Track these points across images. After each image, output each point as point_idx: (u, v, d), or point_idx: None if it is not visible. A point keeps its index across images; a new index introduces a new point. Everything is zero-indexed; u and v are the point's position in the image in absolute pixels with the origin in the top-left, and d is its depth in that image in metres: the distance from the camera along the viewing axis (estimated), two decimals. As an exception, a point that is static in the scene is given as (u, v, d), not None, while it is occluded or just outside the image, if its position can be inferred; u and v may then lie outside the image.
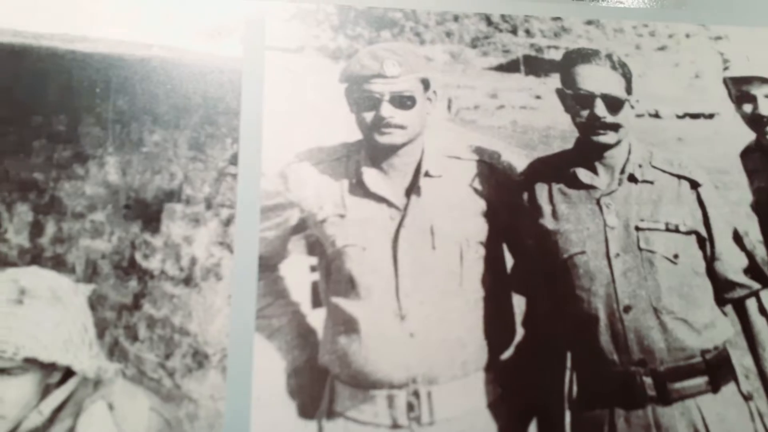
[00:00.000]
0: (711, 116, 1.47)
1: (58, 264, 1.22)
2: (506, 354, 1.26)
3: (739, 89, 1.46)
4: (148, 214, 1.28)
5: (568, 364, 1.25)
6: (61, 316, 1.14)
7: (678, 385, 1.22)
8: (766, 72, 1.47)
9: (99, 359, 1.15)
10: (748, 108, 1.44)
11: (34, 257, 1.21)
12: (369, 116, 1.32)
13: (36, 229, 1.24)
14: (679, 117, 1.46)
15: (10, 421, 1.08)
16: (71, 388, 1.12)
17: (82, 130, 1.31)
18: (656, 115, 1.45)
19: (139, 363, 1.16)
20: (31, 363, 1.08)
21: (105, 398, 1.13)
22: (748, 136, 1.44)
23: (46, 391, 1.10)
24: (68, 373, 1.11)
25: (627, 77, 1.38)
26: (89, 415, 1.12)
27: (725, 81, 1.48)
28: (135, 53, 1.38)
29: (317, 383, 1.21)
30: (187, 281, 1.23)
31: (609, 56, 1.39)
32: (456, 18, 1.48)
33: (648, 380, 1.21)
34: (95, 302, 1.19)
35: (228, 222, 1.27)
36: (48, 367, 1.10)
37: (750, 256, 1.33)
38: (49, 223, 1.24)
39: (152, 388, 1.15)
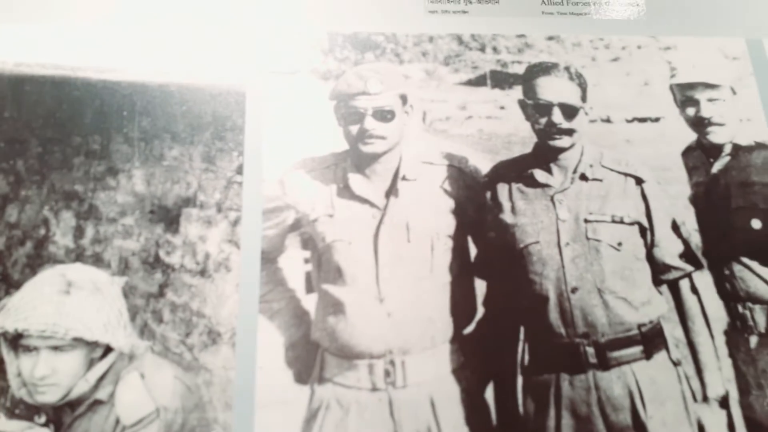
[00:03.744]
0: (657, 120, 1.54)
1: (97, 261, 1.33)
2: (468, 329, 1.35)
3: (684, 94, 1.53)
4: (169, 217, 1.37)
5: (521, 336, 1.34)
6: (100, 304, 1.26)
7: (616, 353, 1.31)
8: (710, 78, 1.53)
9: (132, 338, 1.27)
10: (691, 111, 1.52)
11: (77, 255, 1.33)
12: (354, 129, 1.40)
13: (78, 232, 1.35)
14: (628, 121, 1.54)
15: (64, 388, 1.22)
16: (111, 362, 1.25)
17: (113, 147, 1.42)
18: (608, 120, 1.53)
19: (164, 341, 1.29)
20: (78, 341, 1.22)
21: (138, 369, 1.26)
22: (690, 136, 1.52)
23: (90, 364, 1.24)
24: (108, 349, 1.25)
25: (583, 87, 1.45)
26: (125, 382, 1.25)
27: (671, 87, 1.55)
28: (155, 80, 1.48)
29: (310, 355, 1.31)
30: (203, 273, 1.34)
31: (567, 68, 1.45)
32: (431, 39, 1.58)
33: (590, 350, 1.30)
34: (128, 291, 1.31)
35: (235, 223, 1.37)
36: (92, 345, 1.23)
37: (685, 243, 1.41)
38: (89, 227, 1.36)
39: (175, 361, 1.27)
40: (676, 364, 1.35)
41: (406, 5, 1.65)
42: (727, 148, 1.52)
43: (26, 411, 1.22)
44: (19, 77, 1.45)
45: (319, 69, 1.53)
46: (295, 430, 1.26)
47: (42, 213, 1.36)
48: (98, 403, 1.23)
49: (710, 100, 1.53)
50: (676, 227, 1.44)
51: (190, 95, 1.47)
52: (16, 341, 1.23)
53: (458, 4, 1.67)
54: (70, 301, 1.25)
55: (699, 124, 1.53)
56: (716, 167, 1.51)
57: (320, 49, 1.55)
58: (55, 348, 1.22)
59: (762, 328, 1.39)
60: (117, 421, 1.22)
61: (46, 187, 1.38)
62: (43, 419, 1.22)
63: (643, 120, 1.56)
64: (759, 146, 1.53)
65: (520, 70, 1.54)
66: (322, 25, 1.58)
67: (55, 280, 1.27)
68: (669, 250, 1.41)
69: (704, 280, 1.41)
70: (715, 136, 1.52)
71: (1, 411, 1.22)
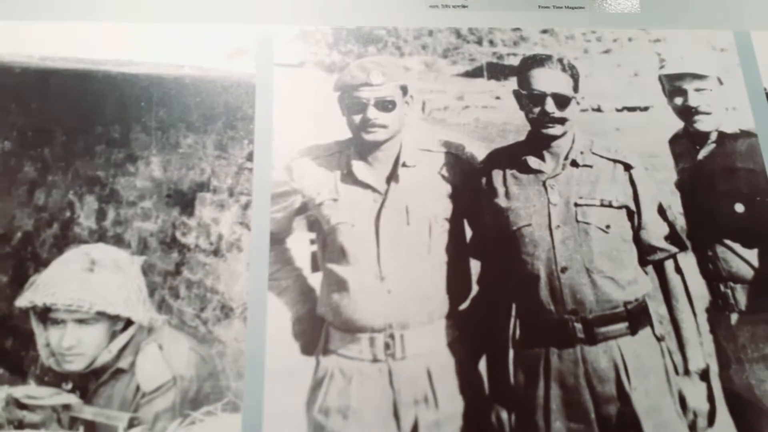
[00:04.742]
0: (646, 109, 1.59)
1: (118, 241, 1.39)
2: (463, 305, 1.41)
3: (672, 84, 1.60)
4: (184, 201, 1.43)
5: (513, 313, 1.39)
6: (122, 280, 1.34)
7: (603, 329, 1.37)
8: (698, 69, 1.60)
9: (151, 312, 1.34)
10: (678, 100, 1.59)
11: (100, 236, 1.39)
12: (357, 118, 1.46)
13: (100, 215, 1.41)
14: (618, 110, 1.59)
15: (88, 357, 1.30)
16: (131, 334, 1.32)
17: (132, 136, 1.47)
18: (598, 109, 1.58)
19: (181, 315, 1.35)
20: (101, 315, 1.31)
21: (156, 341, 1.33)
22: (677, 125, 1.58)
23: (113, 336, 1.32)
24: (129, 322, 1.32)
25: (575, 78, 1.52)
26: (145, 353, 1.32)
27: (660, 78, 1.62)
28: (171, 73, 1.53)
29: (315, 329, 1.37)
30: (216, 252, 1.39)
31: (560, 60, 1.52)
32: (430, 32, 1.64)
33: (578, 325, 1.37)
34: (146, 269, 1.37)
35: (246, 206, 1.42)
36: (114, 318, 1.32)
37: (671, 225, 1.47)
38: (110, 209, 1.41)
39: (191, 333, 1.33)
40: (659, 339, 1.41)
41: (408, 1, 1.71)
42: (713, 136, 1.58)
43: (54, 378, 1.30)
44: (44, 71, 1.51)
45: (324, 62, 1.59)
46: (301, 397, 1.33)
47: (67, 197, 1.42)
48: (120, 371, 1.31)
49: (697, 90, 1.60)
50: (662, 211, 1.49)
51: (203, 87, 1.53)
52: (44, 314, 1.31)
53: (458, -1, 1.73)
54: (94, 278, 1.33)
55: (686, 112, 1.59)
56: (702, 154, 1.57)
57: (325, 42, 1.61)
58: (81, 321, 1.31)
59: (742, 306, 1.46)
60: (137, 388, 1.30)
61: (70, 173, 1.44)
62: (70, 386, 1.30)
63: (632, 109, 1.61)
64: (743, 134, 1.59)
65: (515, 62, 1.61)
66: (327, 20, 1.64)
67: (79, 259, 1.35)
68: (655, 233, 1.47)
69: (688, 260, 1.48)
70: (702, 124, 1.59)
71: (31, 378, 1.30)
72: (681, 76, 1.61)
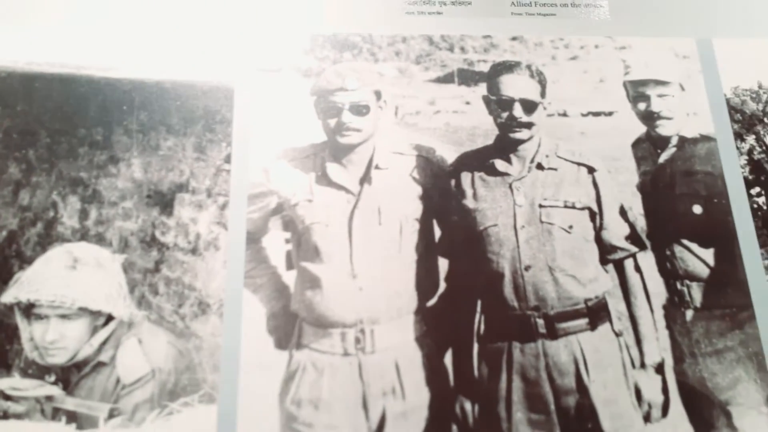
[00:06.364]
0: (610, 114, 1.65)
1: (100, 240, 1.41)
2: (431, 302, 1.45)
3: (636, 90, 1.64)
4: (164, 201, 1.46)
5: (479, 309, 1.44)
6: (103, 277, 1.37)
7: (564, 324, 1.42)
8: (661, 75, 1.64)
9: (131, 308, 1.38)
10: (642, 106, 1.63)
11: (82, 235, 1.41)
12: (332, 122, 1.49)
13: (83, 214, 1.43)
14: (583, 115, 1.64)
15: (71, 351, 1.34)
16: (112, 329, 1.36)
17: (114, 138, 1.50)
18: (564, 114, 1.63)
19: (160, 310, 1.38)
20: (83, 311, 1.34)
21: (136, 335, 1.36)
22: (640, 129, 1.63)
23: (94, 331, 1.35)
24: (110, 317, 1.36)
25: (543, 84, 1.55)
26: (125, 347, 1.36)
27: (625, 84, 1.66)
28: (152, 78, 1.56)
29: (289, 324, 1.41)
30: (194, 251, 1.42)
31: (528, 66, 1.55)
32: (404, 39, 1.69)
33: (540, 321, 1.41)
34: (127, 267, 1.40)
35: (224, 207, 1.46)
36: (95, 314, 1.35)
37: (631, 226, 1.52)
38: (92, 209, 1.44)
39: (169, 328, 1.37)
40: (618, 334, 1.46)
41: (385, 7, 1.76)
42: (674, 140, 1.64)
43: (38, 371, 1.35)
44: (29, 75, 1.55)
45: (301, 67, 1.63)
46: (275, 389, 1.38)
47: (51, 197, 1.45)
48: (101, 364, 1.36)
49: (660, 95, 1.65)
50: (623, 212, 1.54)
51: (183, 91, 1.56)
52: (28, 310, 1.36)
53: (433, 5, 1.78)
54: (77, 275, 1.37)
55: (649, 117, 1.64)
56: (663, 157, 1.63)
57: (302, 48, 1.66)
58: (63, 316, 1.35)
59: (697, 303, 1.52)
60: (117, 380, 1.35)
61: (54, 174, 1.47)
62: (52, 378, 1.35)
63: (597, 114, 1.67)
64: (703, 138, 1.65)
65: (485, 68, 1.65)
66: (304, 26, 1.69)
67: (62, 257, 1.39)
68: (616, 233, 1.52)
69: (647, 259, 1.53)
70: (663, 128, 1.64)
71: (16, 371, 1.35)
72: (644, 83, 1.66)
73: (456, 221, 1.51)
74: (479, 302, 1.46)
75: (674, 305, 1.52)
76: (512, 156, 1.54)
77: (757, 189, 1.62)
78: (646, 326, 1.48)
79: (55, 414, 1.32)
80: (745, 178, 1.62)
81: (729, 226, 1.56)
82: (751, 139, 1.67)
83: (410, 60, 1.68)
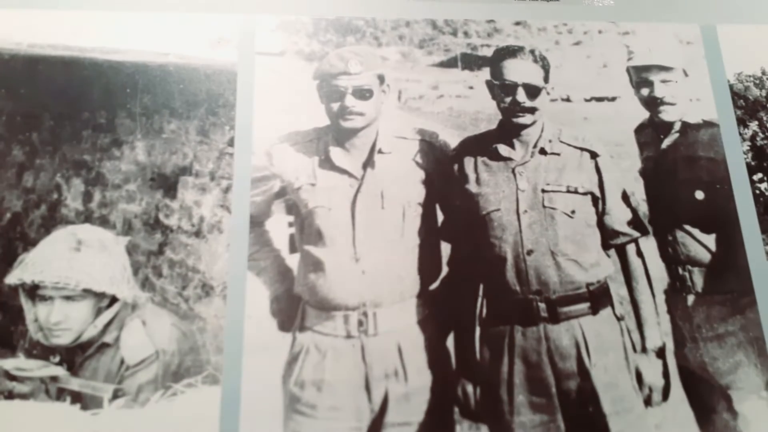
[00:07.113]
0: (613, 99, 1.65)
1: (104, 222, 1.43)
2: (434, 285, 1.46)
3: (639, 76, 1.65)
4: (167, 184, 1.47)
5: (481, 293, 1.45)
6: (107, 260, 1.39)
7: (565, 309, 1.43)
8: (665, 61, 1.65)
9: (135, 290, 1.39)
10: (645, 91, 1.64)
11: (86, 217, 1.43)
12: (335, 106, 1.50)
13: (87, 197, 1.45)
14: (586, 100, 1.64)
15: (75, 332, 1.36)
16: (116, 310, 1.38)
17: (117, 122, 1.51)
18: (567, 99, 1.63)
19: (163, 292, 1.40)
20: (87, 292, 1.36)
21: (140, 317, 1.38)
22: (643, 114, 1.63)
23: (98, 312, 1.37)
24: (114, 299, 1.38)
25: (546, 69, 1.56)
26: (129, 328, 1.38)
27: (628, 69, 1.67)
28: (155, 61, 1.57)
29: (292, 307, 1.42)
30: (197, 234, 1.43)
31: (532, 51, 1.56)
32: (407, 23, 1.69)
33: (542, 305, 1.43)
34: (131, 249, 1.42)
35: (227, 190, 1.47)
36: (99, 295, 1.37)
37: (634, 211, 1.53)
38: (96, 192, 1.45)
39: (173, 310, 1.38)
40: (619, 318, 1.48)
41: (388, -9, 1.76)
42: (677, 126, 1.64)
43: (42, 352, 1.36)
44: (33, 58, 1.56)
45: (304, 50, 1.63)
46: (278, 371, 1.39)
47: (55, 179, 1.47)
48: (105, 345, 1.37)
49: (663, 81, 1.65)
50: (625, 197, 1.55)
51: (186, 75, 1.57)
52: (33, 291, 1.37)
53: (437, -11, 1.78)
54: (81, 257, 1.39)
55: (652, 103, 1.65)
56: (666, 143, 1.63)
57: (305, 32, 1.66)
58: (68, 298, 1.37)
59: (699, 288, 1.53)
60: (122, 361, 1.36)
61: (58, 156, 1.48)
62: (57, 359, 1.36)
63: (600, 99, 1.66)
64: (706, 124, 1.66)
65: (488, 53, 1.65)
66: (307, 10, 1.69)
67: (67, 239, 1.41)
68: (618, 218, 1.53)
69: (649, 244, 1.54)
70: (666, 114, 1.64)
71: (20, 351, 1.36)
72: (648, 68, 1.66)
73: (459, 206, 1.53)
74: (481, 286, 1.48)
75: (676, 290, 1.53)
76: (515, 141, 1.56)
77: (760, 175, 1.62)
78: (648, 311, 1.49)
79: (60, 394, 1.34)
80: (748, 164, 1.62)
81: (731, 211, 1.57)
82: (753, 125, 1.67)
83: (414, 44, 1.69)
